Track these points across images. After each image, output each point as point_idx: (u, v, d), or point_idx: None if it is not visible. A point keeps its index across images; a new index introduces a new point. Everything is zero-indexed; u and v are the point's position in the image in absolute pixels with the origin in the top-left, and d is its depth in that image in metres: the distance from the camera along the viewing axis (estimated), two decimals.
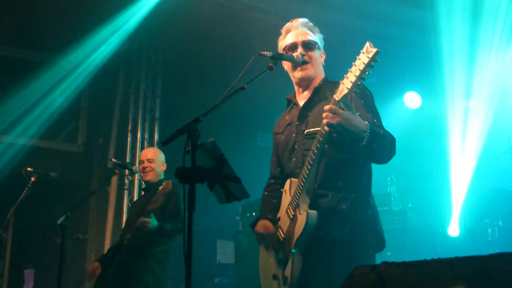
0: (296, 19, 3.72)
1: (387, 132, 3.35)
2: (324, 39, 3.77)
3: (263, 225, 3.56)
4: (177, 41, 8.58)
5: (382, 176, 8.41)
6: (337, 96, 3.07)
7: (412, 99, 9.83)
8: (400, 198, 8.07)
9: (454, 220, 8.68)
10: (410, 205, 8.15)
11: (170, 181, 5.38)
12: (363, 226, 3.34)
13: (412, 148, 8.79)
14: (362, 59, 2.97)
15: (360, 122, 3.11)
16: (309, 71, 3.55)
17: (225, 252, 8.73)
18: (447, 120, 9.55)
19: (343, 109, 3.04)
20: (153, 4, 7.56)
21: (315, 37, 3.65)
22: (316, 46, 3.60)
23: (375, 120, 3.37)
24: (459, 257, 1.67)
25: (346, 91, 3.04)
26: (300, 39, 3.58)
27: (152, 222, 5.08)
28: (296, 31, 3.64)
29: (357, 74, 2.99)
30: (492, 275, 1.57)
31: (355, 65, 3.00)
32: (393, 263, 1.79)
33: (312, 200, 3.31)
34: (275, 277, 3.41)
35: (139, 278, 5.24)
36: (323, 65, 3.73)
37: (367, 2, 7.79)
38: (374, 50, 2.95)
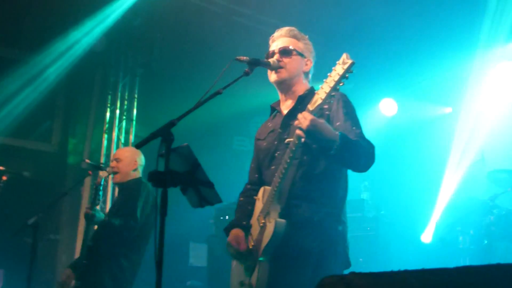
0: (281, 28, 3.75)
1: (365, 140, 3.36)
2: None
3: (235, 236, 3.54)
4: (156, 43, 8.56)
5: (357, 182, 8.47)
6: (311, 106, 3.11)
7: (387, 106, 9.89)
8: (373, 205, 8.13)
9: (429, 228, 8.77)
10: (383, 211, 8.22)
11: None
12: (332, 241, 3.35)
13: (387, 155, 8.86)
14: (338, 70, 3.01)
15: (330, 131, 3.13)
16: (282, 74, 3.57)
17: (198, 255, 8.70)
18: (422, 127, 9.69)
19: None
20: (130, 4, 7.52)
21: (299, 45, 3.66)
22: (294, 53, 3.61)
23: (354, 128, 3.38)
24: (426, 269, 1.68)
25: (320, 101, 3.07)
26: (278, 46, 3.62)
27: (97, 214, 5.06)
28: (278, 40, 3.68)
29: (331, 85, 3.02)
30: (454, 285, 1.59)
31: (331, 76, 3.04)
32: (361, 273, 1.80)
33: (285, 210, 3.31)
34: (242, 284, 3.42)
35: (98, 281, 5.14)
36: (307, 72, 3.73)
37: (346, 7, 7.83)
38: (350, 61, 2.98)
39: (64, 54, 7.88)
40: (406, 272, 1.72)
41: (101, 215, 5.13)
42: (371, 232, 7.65)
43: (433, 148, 9.16)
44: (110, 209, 5.22)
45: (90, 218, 5.08)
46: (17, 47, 8.35)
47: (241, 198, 3.82)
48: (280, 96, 3.76)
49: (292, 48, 3.61)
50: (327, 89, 3.03)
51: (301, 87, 3.67)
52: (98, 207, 5.22)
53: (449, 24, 8.15)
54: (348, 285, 1.78)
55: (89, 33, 7.78)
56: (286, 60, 3.59)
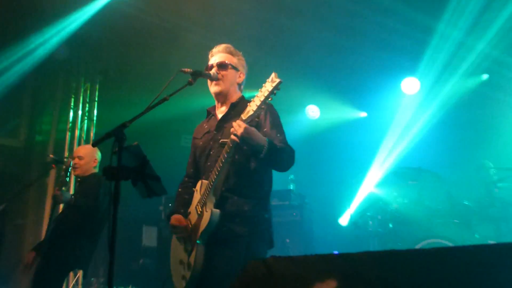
0: (219, 45, 3.77)
1: (288, 146, 3.43)
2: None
3: (177, 219, 3.54)
4: (113, 53, 8.43)
5: (284, 175, 8.55)
6: (244, 116, 3.18)
7: (312, 111, 10.00)
8: (299, 194, 8.21)
9: (346, 213, 8.92)
10: (307, 200, 8.31)
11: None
12: (260, 226, 3.40)
13: (312, 152, 8.98)
14: (267, 87, 3.07)
15: (260, 138, 3.22)
16: (221, 86, 3.62)
17: (149, 237, 8.64)
18: (341, 129, 9.80)
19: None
20: (89, 16, 7.37)
21: (234, 60, 3.70)
22: (230, 67, 3.65)
23: (278, 135, 3.43)
24: (334, 254, 1.72)
25: (251, 112, 3.15)
26: (215, 61, 3.66)
27: (64, 195, 5.01)
28: (216, 56, 3.71)
29: (261, 100, 3.09)
30: (359, 271, 1.61)
31: (261, 91, 3.10)
32: (280, 257, 1.83)
33: (219, 201, 3.34)
34: (181, 262, 3.43)
35: (61, 258, 5.02)
36: (240, 84, 3.75)
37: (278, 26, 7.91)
38: (278, 80, 3.05)
39: (25, 58, 7.60)
40: (316, 256, 1.75)
41: (68, 195, 5.04)
42: (296, 218, 7.71)
43: (350, 147, 9.22)
44: (74, 196, 5.12)
45: (58, 198, 4.99)
46: None
47: (180, 189, 3.80)
48: (216, 102, 3.77)
49: (228, 62, 3.65)
50: (258, 103, 3.11)
51: (234, 96, 3.70)
52: (64, 189, 5.11)
53: (364, 43, 8.32)
54: (268, 268, 1.80)
55: (49, 40, 7.55)
56: (223, 73, 3.63)
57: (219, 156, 3.35)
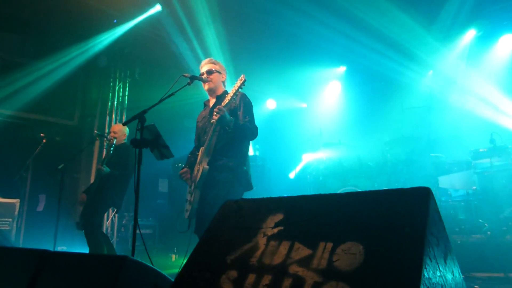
0: (206, 59, 3.77)
1: (252, 124, 3.44)
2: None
3: (185, 171, 3.59)
4: (138, 63, 8.27)
5: (253, 144, 8.58)
6: (223, 103, 3.26)
7: (270, 104, 9.98)
8: (261, 158, 8.27)
9: (293, 171, 9.00)
10: (267, 162, 8.38)
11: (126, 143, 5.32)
12: (239, 175, 3.42)
13: (272, 132, 8.98)
14: (237, 84, 3.14)
15: (230, 119, 3.27)
16: (210, 85, 3.64)
17: (163, 185, 8.60)
18: (291, 116, 9.82)
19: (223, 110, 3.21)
20: (121, 33, 7.19)
21: (216, 67, 3.69)
22: (214, 71, 3.65)
23: (246, 117, 3.44)
24: (282, 197, 1.74)
25: (227, 101, 3.25)
26: (204, 70, 3.67)
27: (105, 169, 4.93)
28: (204, 66, 3.70)
29: (233, 93, 3.21)
30: (298, 207, 1.64)
31: (234, 87, 3.18)
32: (246, 199, 1.86)
33: (212, 160, 3.34)
34: (186, 200, 3.46)
35: (102, 199, 5.00)
36: (223, 81, 3.74)
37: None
38: (243, 79, 3.17)
39: (77, 58, 7.37)
40: (269, 198, 1.80)
41: (107, 169, 4.96)
42: (260, 173, 7.79)
43: (298, 128, 9.21)
44: (109, 160, 5.01)
45: (100, 171, 4.92)
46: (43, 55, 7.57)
47: (189, 155, 3.82)
48: (209, 97, 3.78)
49: (213, 69, 3.66)
50: (231, 94, 3.20)
51: (220, 91, 3.70)
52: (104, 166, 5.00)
53: (302, 48, 8.15)
54: (239, 206, 1.86)
55: (93, 47, 7.32)
56: (210, 76, 3.63)
57: (210, 132, 3.38)
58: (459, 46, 7.27)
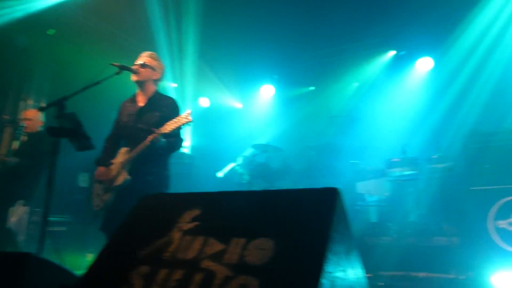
0: (147, 52, 3.65)
1: (179, 140, 3.43)
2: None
3: (100, 172, 3.45)
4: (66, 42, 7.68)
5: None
6: (160, 131, 3.14)
7: (203, 102, 9.84)
8: (190, 155, 8.18)
9: (222, 170, 8.98)
10: (196, 160, 8.31)
11: None
12: (160, 178, 3.39)
13: (206, 132, 8.88)
14: (181, 120, 3.09)
15: (163, 144, 3.22)
16: (137, 77, 3.52)
17: (83, 179, 8.07)
18: (228, 115, 9.62)
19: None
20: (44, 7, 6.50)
21: (153, 63, 3.57)
22: (147, 66, 3.54)
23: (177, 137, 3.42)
24: (200, 192, 1.75)
25: (165, 131, 3.14)
26: (139, 61, 3.55)
27: (11, 161, 4.59)
28: (141, 58, 3.58)
29: (173, 127, 3.10)
30: (216, 203, 1.66)
31: (177, 120, 3.10)
32: (165, 193, 1.85)
33: (137, 165, 3.27)
34: (98, 195, 3.37)
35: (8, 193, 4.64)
36: (155, 80, 3.61)
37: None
38: (189, 120, 3.07)
39: None
40: (188, 193, 1.81)
41: (12, 161, 4.53)
42: (186, 171, 7.70)
43: (231, 128, 9.14)
44: (20, 149, 4.60)
45: (6, 163, 4.51)
46: None
47: (106, 144, 3.67)
48: (138, 90, 3.65)
49: (148, 64, 3.56)
50: (171, 128, 3.11)
51: (150, 89, 3.59)
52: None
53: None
54: (158, 199, 1.83)
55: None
56: (140, 69, 3.53)
57: (135, 134, 3.31)
58: (380, 63, 7.90)
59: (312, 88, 8.91)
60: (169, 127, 3.11)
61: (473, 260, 4.00)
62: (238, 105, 10.04)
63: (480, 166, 4.34)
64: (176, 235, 1.53)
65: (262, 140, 7.51)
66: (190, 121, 3.06)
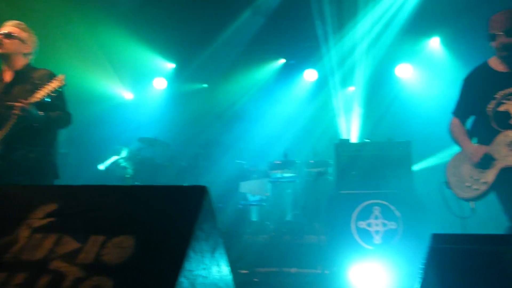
0: (13, 21, 3.16)
1: (65, 113, 3.10)
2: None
3: None
4: None
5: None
6: (31, 99, 2.83)
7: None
8: (66, 144, 7.47)
9: (103, 163, 8.32)
10: (76, 148, 7.63)
11: None
12: (43, 165, 3.02)
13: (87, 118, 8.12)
14: (54, 85, 2.78)
15: (38, 116, 2.90)
16: (2, 50, 3.08)
17: None
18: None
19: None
20: None
21: (23, 34, 3.12)
22: (16, 38, 3.09)
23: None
24: (58, 185, 1.63)
25: (36, 99, 2.82)
26: (3, 30, 3.08)
27: None
28: (5, 27, 3.10)
29: (46, 93, 2.81)
30: (77, 197, 1.51)
31: (49, 85, 2.83)
32: (14, 186, 1.65)
33: (8, 149, 2.85)
34: None
35: None
36: (26, 54, 3.16)
37: None
38: (63, 83, 2.81)
39: None
40: (43, 186, 1.65)
41: None
42: (62, 162, 6.80)
43: (117, 119, 8.47)
44: None
45: None
46: None
47: None
48: (3, 65, 3.18)
49: (16, 35, 3.10)
50: (43, 94, 2.80)
51: (19, 63, 3.15)
52: None
53: None
54: (3, 193, 1.60)
55: None
56: (6, 40, 3.08)
57: (5, 115, 2.86)
58: (271, 69, 8.30)
59: (205, 85, 8.89)
60: (39, 94, 2.78)
61: (337, 257, 4.43)
62: (127, 94, 9.52)
63: (348, 173, 4.82)
64: (23, 233, 1.36)
65: (150, 134, 7.23)
66: (63, 85, 2.78)
